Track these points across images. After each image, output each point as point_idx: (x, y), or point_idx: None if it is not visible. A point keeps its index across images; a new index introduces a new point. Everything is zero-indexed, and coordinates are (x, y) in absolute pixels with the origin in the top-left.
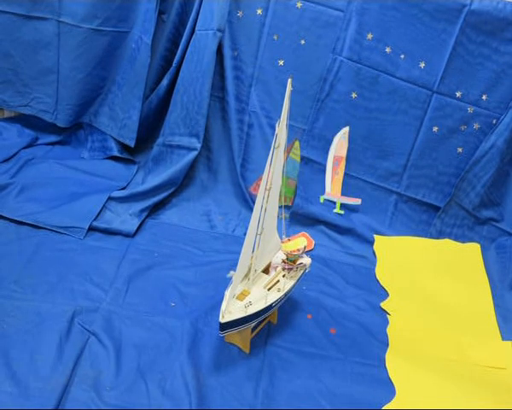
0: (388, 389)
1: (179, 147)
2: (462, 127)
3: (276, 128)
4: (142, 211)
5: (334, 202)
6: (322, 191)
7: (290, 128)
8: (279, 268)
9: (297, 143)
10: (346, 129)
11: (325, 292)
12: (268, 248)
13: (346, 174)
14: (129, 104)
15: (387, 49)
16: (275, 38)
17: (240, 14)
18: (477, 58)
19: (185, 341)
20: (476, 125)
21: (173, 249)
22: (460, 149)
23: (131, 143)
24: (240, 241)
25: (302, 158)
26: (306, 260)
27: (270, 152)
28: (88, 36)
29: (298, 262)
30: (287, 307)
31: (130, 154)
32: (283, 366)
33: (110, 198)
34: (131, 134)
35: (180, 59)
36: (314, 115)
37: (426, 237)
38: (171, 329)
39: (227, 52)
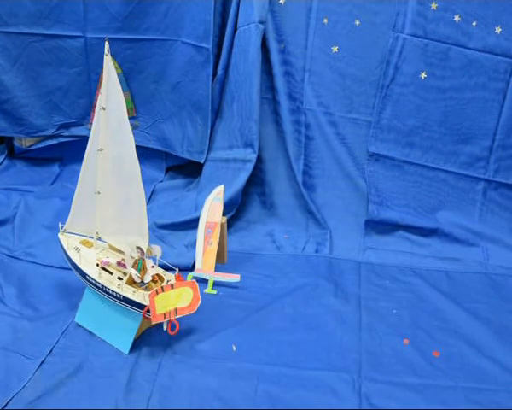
0: None
1: (235, 160)
2: None
3: (101, 91)
4: None
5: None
6: (399, 190)
7: (353, 122)
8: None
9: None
10: (221, 188)
11: (419, 309)
12: (121, 223)
13: (423, 166)
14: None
15: (456, 18)
16: (325, 21)
17: (282, 0)
18: None
19: None
20: None
21: (240, 281)
22: None
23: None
24: (312, 260)
25: (372, 155)
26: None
27: (96, 113)
28: None
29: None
30: (378, 334)
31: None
32: (386, 405)
33: (162, 227)
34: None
35: (227, 62)
36: (380, 104)
37: None
38: None
39: (273, 46)
